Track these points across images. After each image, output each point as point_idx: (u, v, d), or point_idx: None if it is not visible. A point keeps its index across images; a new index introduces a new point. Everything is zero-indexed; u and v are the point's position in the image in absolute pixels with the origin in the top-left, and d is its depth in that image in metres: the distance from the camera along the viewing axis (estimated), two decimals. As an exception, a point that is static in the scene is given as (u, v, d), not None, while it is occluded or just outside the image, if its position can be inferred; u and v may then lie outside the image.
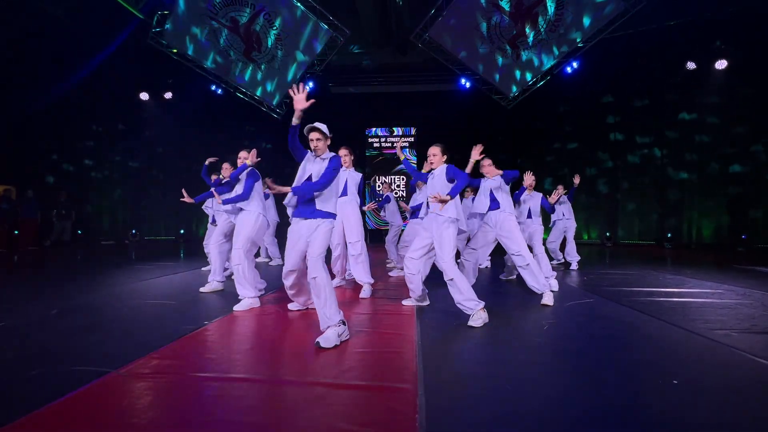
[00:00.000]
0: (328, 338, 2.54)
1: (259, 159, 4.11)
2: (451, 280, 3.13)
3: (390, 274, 5.90)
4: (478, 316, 3.04)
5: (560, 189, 5.84)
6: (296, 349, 2.56)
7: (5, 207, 9.57)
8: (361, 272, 4.34)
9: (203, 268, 5.96)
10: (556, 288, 4.50)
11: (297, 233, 2.92)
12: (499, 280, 5.37)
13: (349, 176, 4.53)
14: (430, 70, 11.82)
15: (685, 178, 11.10)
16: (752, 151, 10.29)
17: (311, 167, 2.93)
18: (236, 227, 3.93)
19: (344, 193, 4.43)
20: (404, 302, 3.84)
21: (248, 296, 3.68)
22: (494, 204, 4.11)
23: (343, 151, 4.30)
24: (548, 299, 3.82)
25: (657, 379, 2.07)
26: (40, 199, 10.52)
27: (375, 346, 2.59)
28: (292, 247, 2.95)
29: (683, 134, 11.10)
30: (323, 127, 2.91)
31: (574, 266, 6.45)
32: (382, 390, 1.95)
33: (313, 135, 2.90)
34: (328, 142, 2.98)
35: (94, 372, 2.10)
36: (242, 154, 4.18)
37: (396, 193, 13.37)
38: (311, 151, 2.96)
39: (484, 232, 4.14)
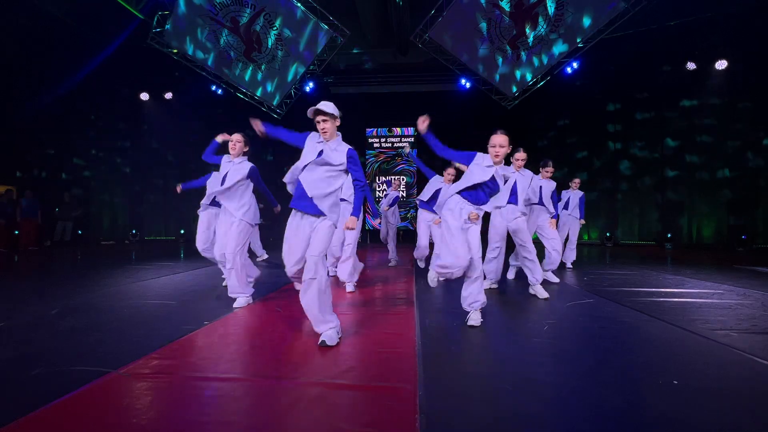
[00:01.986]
0: (331, 336, 2.57)
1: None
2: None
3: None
4: (476, 315, 3.05)
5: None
6: (296, 349, 2.56)
7: (8, 209, 9.57)
8: (345, 272, 4.41)
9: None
10: (554, 280, 4.80)
11: (297, 227, 2.69)
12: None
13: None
14: (430, 70, 11.83)
15: (686, 178, 11.11)
16: (752, 151, 10.30)
17: (323, 149, 2.67)
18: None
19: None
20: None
21: (243, 294, 3.75)
22: (512, 198, 4.23)
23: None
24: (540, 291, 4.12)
25: (657, 380, 2.07)
26: (41, 200, 10.53)
27: (375, 346, 2.59)
28: (292, 243, 2.69)
29: (683, 134, 11.11)
30: (328, 107, 2.63)
31: (568, 266, 6.55)
32: (382, 390, 1.95)
33: (319, 117, 2.64)
34: (338, 122, 2.72)
35: (94, 372, 2.10)
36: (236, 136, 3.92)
37: (402, 189, 13.38)
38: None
39: (495, 225, 4.33)
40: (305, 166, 2.69)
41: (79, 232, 11.89)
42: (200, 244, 4.68)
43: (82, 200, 12.16)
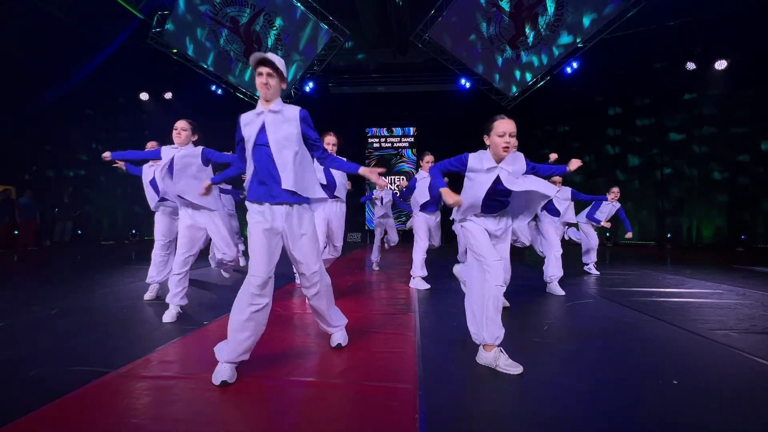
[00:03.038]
0: (344, 336, 2.59)
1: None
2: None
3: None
4: None
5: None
6: (296, 349, 2.56)
7: (7, 209, 9.58)
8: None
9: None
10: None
11: (265, 226, 2.10)
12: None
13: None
14: (430, 70, 11.84)
15: (686, 178, 11.11)
16: (752, 151, 10.30)
17: (264, 121, 2.12)
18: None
19: (333, 190, 4.03)
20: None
21: None
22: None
23: (330, 139, 3.79)
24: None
25: (657, 380, 2.07)
26: (40, 200, 10.53)
27: (375, 347, 2.59)
28: (263, 247, 2.08)
29: (683, 134, 11.12)
30: (277, 59, 2.10)
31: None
32: (382, 390, 1.95)
33: (263, 69, 2.09)
34: (284, 86, 2.19)
35: (94, 372, 2.10)
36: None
37: (396, 193, 13.37)
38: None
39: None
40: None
41: (79, 232, 11.90)
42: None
43: (81, 200, 12.16)
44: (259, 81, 2.11)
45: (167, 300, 3.25)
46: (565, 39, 9.43)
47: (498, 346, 2.23)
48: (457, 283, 4.99)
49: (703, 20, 9.55)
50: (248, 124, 2.15)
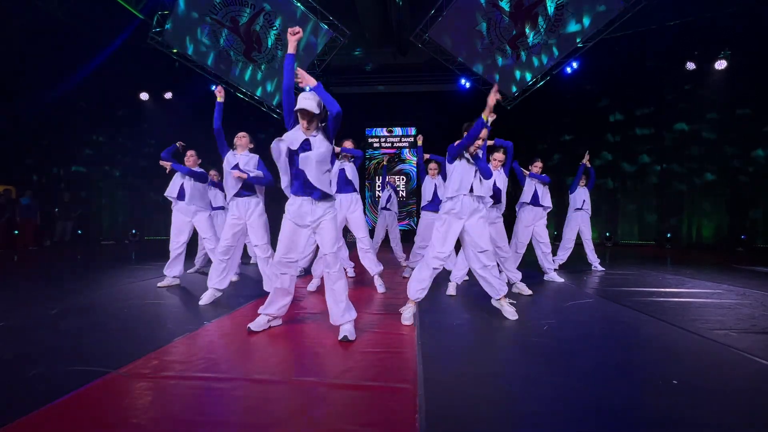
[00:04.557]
0: (351, 331, 2.69)
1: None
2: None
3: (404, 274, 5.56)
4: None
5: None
6: (296, 349, 2.56)
7: (7, 209, 9.58)
8: (372, 265, 4.49)
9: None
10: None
11: (300, 216, 2.67)
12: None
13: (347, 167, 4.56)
14: (430, 70, 11.83)
15: (686, 178, 11.11)
16: (752, 151, 10.30)
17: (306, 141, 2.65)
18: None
19: (346, 187, 4.50)
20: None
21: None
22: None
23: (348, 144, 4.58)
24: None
25: (657, 379, 2.07)
26: (41, 200, 10.52)
27: (375, 346, 2.59)
28: (293, 233, 2.71)
29: (683, 134, 11.11)
30: (314, 106, 2.59)
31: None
32: (382, 390, 1.95)
33: (303, 121, 2.64)
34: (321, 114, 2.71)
35: (94, 372, 2.10)
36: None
37: (402, 189, 13.36)
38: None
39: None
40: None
41: (79, 232, 11.89)
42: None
43: (82, 200, 12.16)
44: (301, 122, 2.64)
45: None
46: (565, 38, 9.42)
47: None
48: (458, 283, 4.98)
49: (703, 20, 9.54)
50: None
